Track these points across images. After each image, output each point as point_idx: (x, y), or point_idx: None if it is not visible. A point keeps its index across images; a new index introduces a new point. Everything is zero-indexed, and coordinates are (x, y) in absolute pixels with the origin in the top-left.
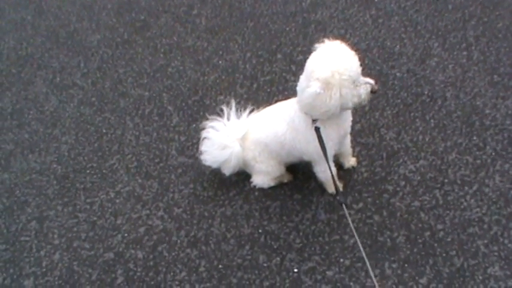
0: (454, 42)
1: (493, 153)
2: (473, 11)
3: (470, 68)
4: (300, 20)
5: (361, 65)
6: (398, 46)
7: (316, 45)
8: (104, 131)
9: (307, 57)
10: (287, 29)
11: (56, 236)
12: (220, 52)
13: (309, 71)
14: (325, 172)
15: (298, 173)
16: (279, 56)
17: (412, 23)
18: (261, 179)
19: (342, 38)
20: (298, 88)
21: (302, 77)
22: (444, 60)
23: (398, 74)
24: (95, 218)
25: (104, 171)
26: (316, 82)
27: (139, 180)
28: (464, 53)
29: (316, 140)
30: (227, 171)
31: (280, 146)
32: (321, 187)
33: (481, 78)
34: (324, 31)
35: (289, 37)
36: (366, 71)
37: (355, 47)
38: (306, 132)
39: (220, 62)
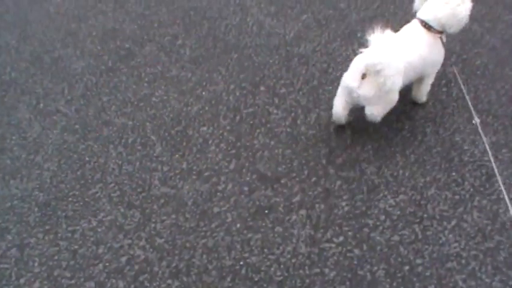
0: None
1: (471, 189)
2: (453, 48)
3: (449, 104)
4: (284, 53)
5: None
6: None
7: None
8: (87, 159)
9: (290, 90)
10: (270, 61)
11: (36, 264)
12: (204, 83)
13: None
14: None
15: (280, 205)
16: (262, 88)
17: None
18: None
19: (325, 72)
20: (444, 16)
21: (442, 14)
22: None
23: None
24: (76, 247)
25: (86, 199)
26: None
27: (122, 210)
28: (444, 89)
29: (433, 53)
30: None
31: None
32: (302, 221)
33: (460, 115)
34: (307, 64)
35: (272, 70)
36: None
37: (337, 81)
38: (434, 51)
39: (203, 92)
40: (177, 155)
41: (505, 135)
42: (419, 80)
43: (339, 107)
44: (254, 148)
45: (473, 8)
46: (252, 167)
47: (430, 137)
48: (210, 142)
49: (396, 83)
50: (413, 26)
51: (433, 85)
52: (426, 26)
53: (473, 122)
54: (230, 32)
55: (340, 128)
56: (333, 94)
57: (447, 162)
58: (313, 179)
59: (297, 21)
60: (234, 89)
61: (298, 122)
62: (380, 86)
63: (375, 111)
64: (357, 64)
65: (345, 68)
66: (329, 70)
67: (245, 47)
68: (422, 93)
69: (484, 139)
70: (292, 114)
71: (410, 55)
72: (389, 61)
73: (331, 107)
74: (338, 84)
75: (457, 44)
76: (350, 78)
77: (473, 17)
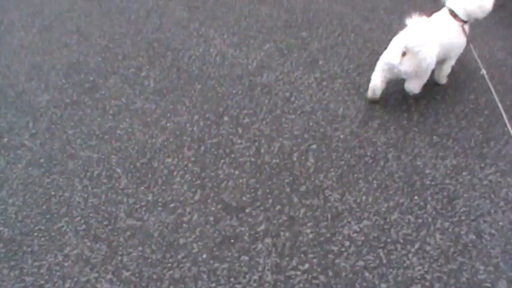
0: (395, 104)
1: (434, 212)
2: None
3: (411, 129)
4: (247, 82)
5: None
6: (341, 108)
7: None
8: (53, 193)
9: (254, 120)
10: (234, 91)
11: None
12: (168, 114)
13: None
14: (450, 67)
15: (245, 234)
16: (225, 118)
17: (355, 85)
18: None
19: (287, 100)
20: (473, 8)
21: (470, 6)
22: (386, 121)
23: (341, 136)
24: (43, 282)
25: (52, 233)
26: None
27: (88, 243)
28: (405, 114)
29: (460, 38)
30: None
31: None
32: (267, 249)
33: (421, 139)
34: (270, 93)
35: (235, 100)
36: (310, 134)
37: (299, 109)
38: (459, 36)
39: (168, 124)
40: (142, 187)
41: (465, 157)
42: (442, 62)
43: (378, 81)
44: (219, 178)
45: None
46: (217, 197)
47: (392, 162)
48: (175, 173)
49: (431, 62)
50: (443, 13)
51: (394, 111)
52: (453, 14)
53: (481, 72)
54: (194, 63)
55: (303, 155)
56: (296, 123)
57: (409, 187)
58: (278, 207)
59: (259, 50)
60: (198, 119)
61: (262, 151)
62: (418, 63)
63: (412, 86)
64: (397, 44)
65: (307, 96)
66: (291, 99)
67: (208, 78)
68: (444, 75)
69: (492, 89)
70: (256, 143)
71: (441, 38)
72: (426, 43)
73: (294, 136)
74: (301, 113)
75: None
76: (391, 56)
77: None
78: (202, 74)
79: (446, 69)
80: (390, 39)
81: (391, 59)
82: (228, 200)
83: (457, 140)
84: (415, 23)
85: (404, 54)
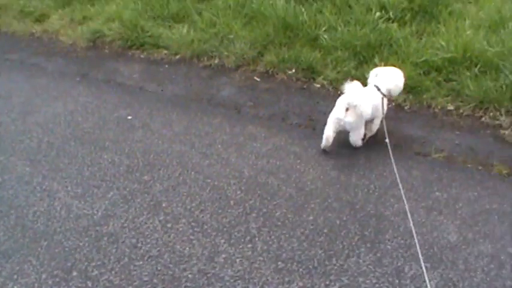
0: (238, 236)
1: None
2: (253, 204)
3: (256, 259)
4: (93, 233)
5: None
6: (187, 248)
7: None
8: None
9: (102, 271)
10: (81, 244)
11: None
12: (15, 276)
13: (396, 80)
14: (378, 124)
15: None
16: (74, 273)
17: (198, 223)
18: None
19: (134, 247)
20: (393, 87)
21: (390, 85)
22: (231, 255)
23: (190, 276)
24: None
25: None
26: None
27: None
28: (249, 245)
29: (381, 107)
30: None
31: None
32: None
33: (267, 267)
34: (117, 242)
35: (83, 253)
36: (159, 278)
37: (147, 254)
38: (380, 104)
39: (15, 287)
40: None
41: (310, 278)
42: (371, 120)
43: (330, 132)
44: None
45: (268, 162)
46: None
47: None
48: None
49: (368, 114)
50: (371, 87)
51: (238, 243)
52: (377, 88)
53: (385, 140)
54: (39, 219)
55: None
56: (144, 269)
57: None
58: None
59: (103, 199)
60: (46, 278)
61: None
62: (358, 115)
63: (355, 138)
64: (341, 102)
65: (153, 240)
66: (138, 245)
67: (55, 233)
68: (374, 128)
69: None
70: None
71: (372, 101)
72: (362, 99)
73: (143, 282)
74: (148, 258)
75: (257, 199)
76: (338, 112)
77: (269, 171)
78: (48, 230)
79: (376, 123)
80: (229, 172)
81: (338, 114)
82: None
83: (300, 262)
84: (352, 86)
85: (347, 109)
